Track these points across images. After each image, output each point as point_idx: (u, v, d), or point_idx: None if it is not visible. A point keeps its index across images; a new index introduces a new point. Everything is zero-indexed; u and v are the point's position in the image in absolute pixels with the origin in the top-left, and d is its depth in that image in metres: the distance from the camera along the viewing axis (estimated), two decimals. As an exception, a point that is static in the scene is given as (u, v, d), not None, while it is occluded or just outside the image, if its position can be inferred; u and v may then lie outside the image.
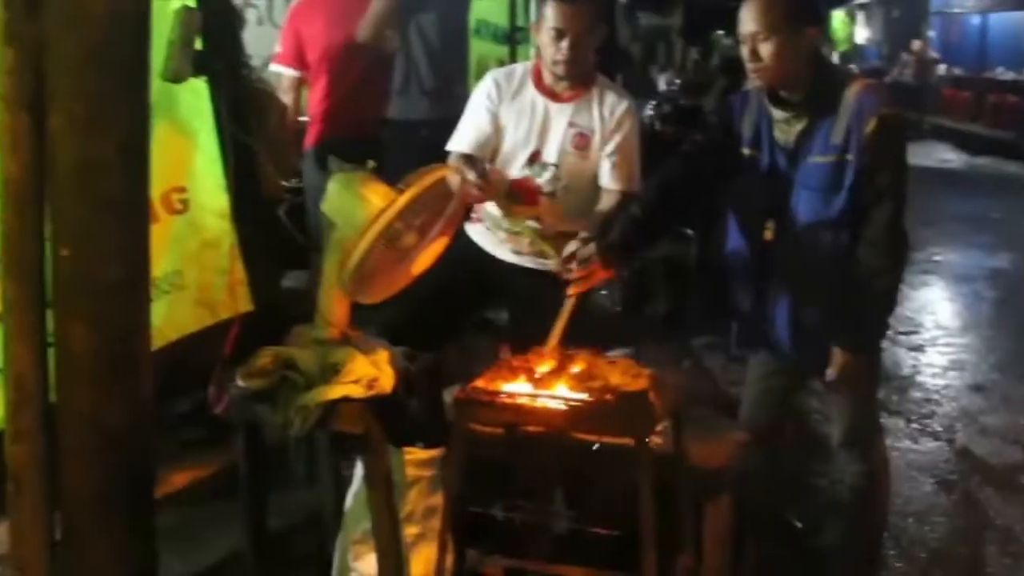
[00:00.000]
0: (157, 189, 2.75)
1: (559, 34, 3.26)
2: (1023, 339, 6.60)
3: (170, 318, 2.81)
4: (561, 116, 3.41)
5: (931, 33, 22.44)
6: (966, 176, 14.40)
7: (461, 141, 3.40)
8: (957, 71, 21.93)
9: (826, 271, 3.03)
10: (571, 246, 3.02)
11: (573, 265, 3.02)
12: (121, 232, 1.85)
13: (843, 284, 3.00)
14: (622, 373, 2.52)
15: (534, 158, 3.40)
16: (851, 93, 2.93)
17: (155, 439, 2.04)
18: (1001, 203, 12.06)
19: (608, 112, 3.42)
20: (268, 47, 4.98)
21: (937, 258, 8.77)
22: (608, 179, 3.45)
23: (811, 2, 3.07)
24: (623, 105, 3.46)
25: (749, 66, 2.96)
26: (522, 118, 3.39)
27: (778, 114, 3.03)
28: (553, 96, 3.42)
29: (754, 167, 3.11)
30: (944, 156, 16.57)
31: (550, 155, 3.41)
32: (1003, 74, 20.01)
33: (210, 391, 2.76)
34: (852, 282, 2.98)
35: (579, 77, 3.40)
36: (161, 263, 2.76)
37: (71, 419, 1.91)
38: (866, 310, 3.03)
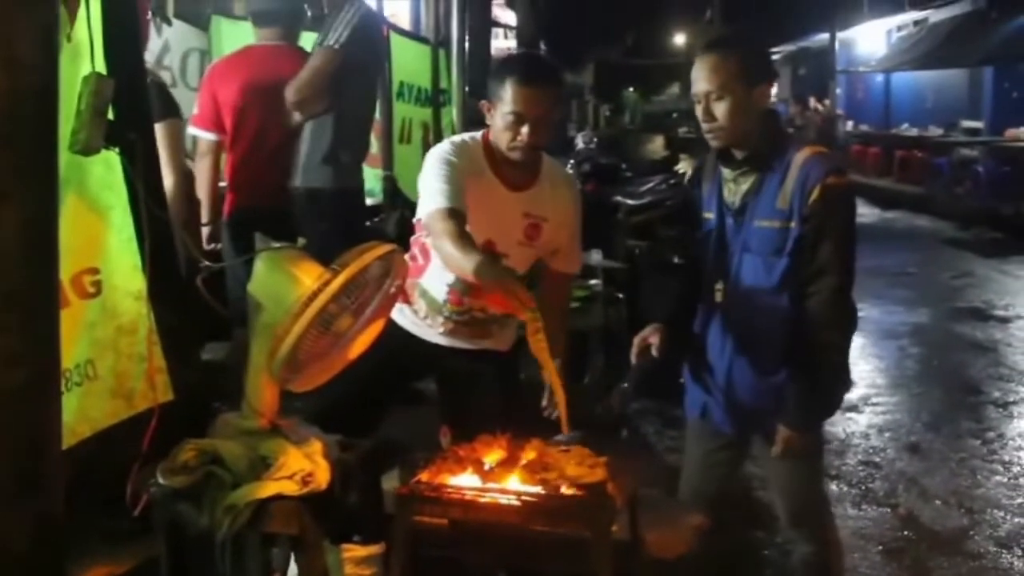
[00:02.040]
0: (67, 272, 2.52)
1: (519, 119, 2.97)
2: (952, 396, 6.62)
3: (82, 413, 2.56)
4: (517, 205, 3.16)
5: (838, 91, 23.01)
6: (880, 230, 14.65)
7: (445, 198, 2.89)
8: (865, 127, 22.52)
9: (766, 340, 2.94)
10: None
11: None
12: (23, 329, 1.63)
13: (785, 357, 2.90)
14: (577, 463, 2.36)
15: (486, 247, 3.07)
16: (799, 158, 2.86)
17: (65, 557, 1.82)
18: (915, 257, 12.30)
19: (560, 198, 3.22)
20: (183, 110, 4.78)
21: (861, 314, 8.74)
22: (564, 263, 3.36)
23: (764, 58, 3.00)
24: (574, 188, 3.33)
25: (704, 126, 2.89)
26: (480, 202, 3.02)
27: (726, 172, 2.97)
28: (509, 184, 3.14)
29: (707, 228, 3.03)
30: (857, 211, 16.86)
31: (503, 245, 3.15)
32: (908, 130, 20.58)
33: (128, 491, 2.52)
34: (795, 356, 2.88)
35: (533, 162, 3.14)
36: (72, 353, 2.52)
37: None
38: (811, 386, 2.90)
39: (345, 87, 4.36)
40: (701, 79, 2.84)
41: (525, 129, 2.98)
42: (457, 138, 3.21)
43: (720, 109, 2.83)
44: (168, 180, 4.05)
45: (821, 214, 2.81)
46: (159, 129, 4.00)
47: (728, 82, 2.80)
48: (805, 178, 2.82)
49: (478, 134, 3.19)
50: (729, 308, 3.00)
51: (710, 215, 3.03)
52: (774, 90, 3.15)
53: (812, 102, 22.11)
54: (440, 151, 3.08)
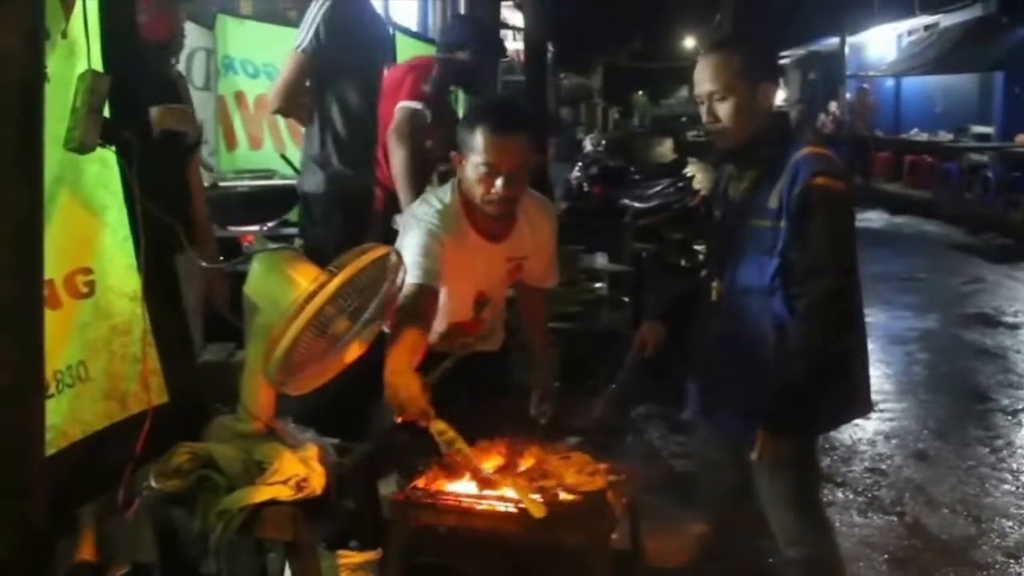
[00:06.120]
0: (60, 271, 2.48)
1: (492, 170, 2.85)
2: (960, 403, 6.55)
3: (73, 415, 2.52)
4: (500, 253, 3.12)
5: (848, 95, 22.95)
6: (889, 235, 14.57)
7: (422, 273, 2.78)
8: (875, 132, 22.43)
9: (755, 342, 2.87)
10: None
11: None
12: (4, 332, 1.58)
13: (774, 361, 2.83)
14: (577, 470, 2.31)
15: (478, 298, 3.11)
16: (795, 158, 2.79)
17: (49, 565, 1.78)
18: (924, 262, 12.22)
19: (538, 233, 3.19)
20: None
21: (868, 319, 8.67)
22: (541, 281, 3.35)
23: (766, 56, 2.97)
24: (551, 218, 3.27)
25: (709, 127, 2.85)
26: (466, 262, 2.99)
27: (732, 169, 2.95)
28: (490, 237, 3.07)
29: (712, 226, 3.00)
30: (866, 215, 16.79)
31: (489, 291, 3.16)
32: (917, 135, 20.48)
33: (119, 494, 2.48)
34: (779, 358, 2.81)
35: (512, 210, 3.04)
36: (63, 354, 2.48)
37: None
38: (787, 389, 2.78)
39: (328, 86, 4.31)
40: (704, 80, 2.80)
41: (500, 182, 2.86)
42: (437, 202, 3.03)
43: (724, 109, 2.79)
44: None
45: (804, 213, 2.72)
46: None
47: (731, 82, 2.76)
48: (794, 176, 2.76)
49: (455, 193, 3.04)
50: (723, 307, 2.95)
51: (718, 213, 3.01)
52: (783, 94, 3.09)
53: (833, 106, 22.01)
54: (424, 218, 2.96)
